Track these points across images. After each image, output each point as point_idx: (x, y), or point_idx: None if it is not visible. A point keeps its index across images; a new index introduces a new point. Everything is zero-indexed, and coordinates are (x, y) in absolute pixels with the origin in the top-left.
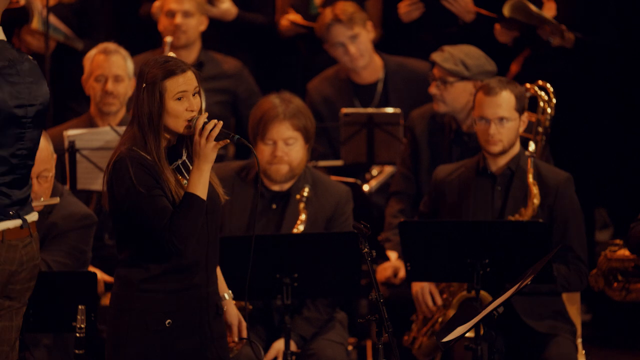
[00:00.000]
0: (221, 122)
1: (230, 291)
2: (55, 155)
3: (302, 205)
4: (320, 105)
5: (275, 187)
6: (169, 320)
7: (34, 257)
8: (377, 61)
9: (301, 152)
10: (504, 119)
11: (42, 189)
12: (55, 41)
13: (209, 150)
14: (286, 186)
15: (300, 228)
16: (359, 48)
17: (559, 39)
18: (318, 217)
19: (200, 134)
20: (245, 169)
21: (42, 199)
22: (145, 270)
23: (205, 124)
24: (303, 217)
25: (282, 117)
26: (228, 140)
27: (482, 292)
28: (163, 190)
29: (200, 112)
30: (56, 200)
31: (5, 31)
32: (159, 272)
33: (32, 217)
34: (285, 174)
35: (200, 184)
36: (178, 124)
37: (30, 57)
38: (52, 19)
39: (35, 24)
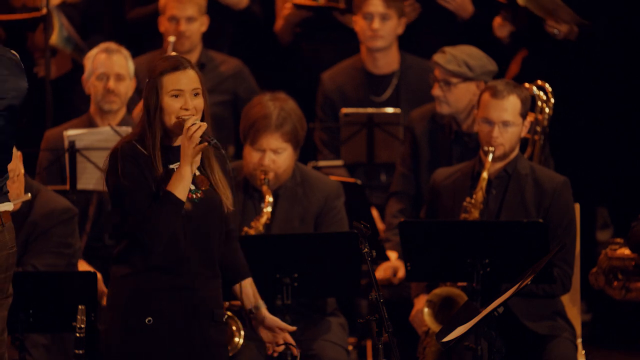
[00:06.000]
0: (205, 125)
1: (262, 302)
2: (19, 153)
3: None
4: (334, 94)
5: None
6: (149, 318)
7: (5, 246)
8: (395, 54)
9: (288, 159)
10: (508, 124)
11: (13, 189)
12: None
13: (190, 152)
14: (273, 188)
15: (268, 209)
16: (384, 29)
17: (566, 29)
18: (308, 214)
19: (185, 135)
20: (234, 170)
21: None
22: (129, 266)
23: (193, 124)
24: (270, 199)
25: (274, 129)
26: (206, 143)
27: None
28: (150, 187)
29: (203, 115)
30: (27, 197)
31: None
32: (143, 269)
33: (5, 206)
34: (270, 181)
35: (180, 184)
36: (171, 122)
37: (13, 52)
38: (68, 28)
39: (55, 39)
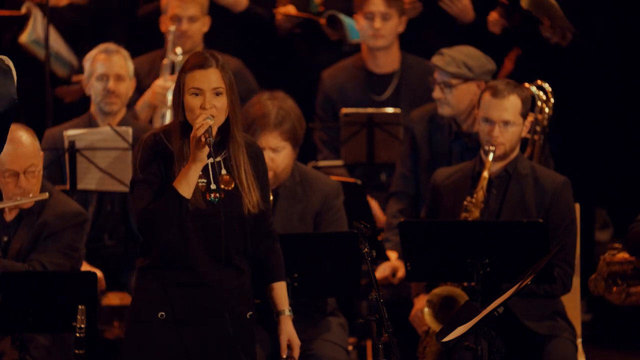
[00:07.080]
0: (208, 122)
1: (289, 308)
2: (42, 152)
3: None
4: (334, 93)
5: None
6: (161, 313)
7: None
8: (396, 53)
9: (287, 158)
10: (509, 123)
11: (30, 184)
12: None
13: (194, 148)
14: (272, 187)
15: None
16: (385, 28)
17: (558, 36)
18: (307, 213)
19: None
20: None
21: (30, 195)
22: (145, 259)
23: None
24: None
25: (272, 128)
26: (210, 142)
27: None
28: (161, 182)
29: (229, 114)
30: (45, 195)
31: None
32: (159, 262)
33: None
34: (269, 179)
35: (184, 180)
36: (192, 119)
37: (4, 58)
38: (51, 35)
39: (24, 39)
